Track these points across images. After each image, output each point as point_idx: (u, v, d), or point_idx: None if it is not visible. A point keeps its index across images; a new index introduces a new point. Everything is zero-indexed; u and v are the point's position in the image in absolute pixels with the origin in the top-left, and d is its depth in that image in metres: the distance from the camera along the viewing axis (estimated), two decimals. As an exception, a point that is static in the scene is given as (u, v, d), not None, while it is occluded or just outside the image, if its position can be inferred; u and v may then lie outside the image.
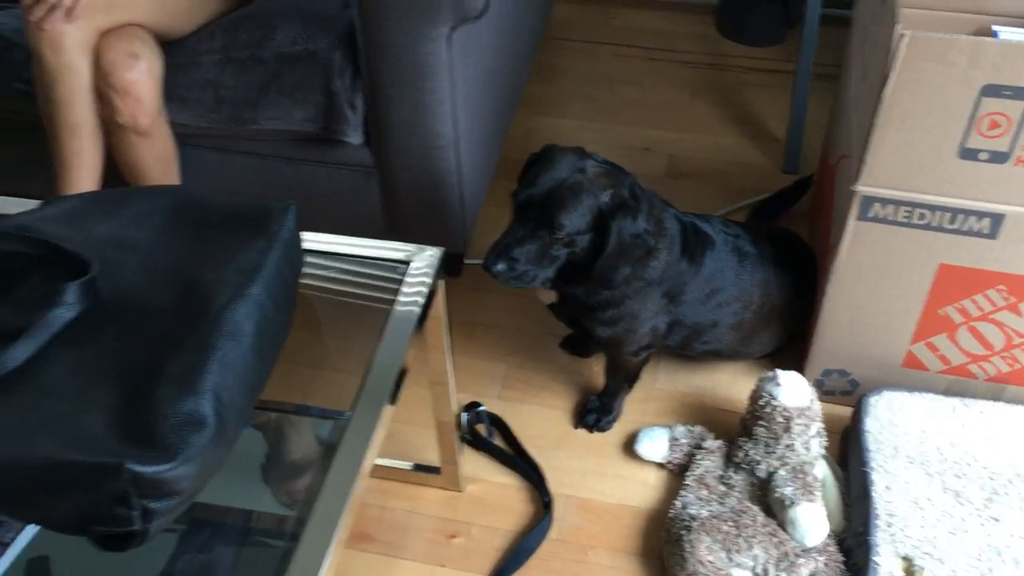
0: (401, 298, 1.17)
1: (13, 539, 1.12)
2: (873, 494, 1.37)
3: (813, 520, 1.35)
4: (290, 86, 1.55)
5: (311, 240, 1.22)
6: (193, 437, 0.84)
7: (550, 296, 1.46)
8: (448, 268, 1.71)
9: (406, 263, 1.21)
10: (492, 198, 1.91)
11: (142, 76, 1.48)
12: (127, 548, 0.86)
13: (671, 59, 2.46)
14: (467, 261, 1.88)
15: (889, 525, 1.34)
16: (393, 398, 1.08)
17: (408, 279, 1.19)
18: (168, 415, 0.85)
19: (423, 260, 1.21)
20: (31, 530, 1.12)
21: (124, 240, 1.06)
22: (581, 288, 1.39)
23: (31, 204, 1.19)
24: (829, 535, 1.37)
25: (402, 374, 1.10)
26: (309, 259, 1.20)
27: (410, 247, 1.23)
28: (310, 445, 1.34)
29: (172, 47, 1.59)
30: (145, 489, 0.81)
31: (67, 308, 0.95)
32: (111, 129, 1.54)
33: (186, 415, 0.85)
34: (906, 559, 1.31)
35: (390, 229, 1.75)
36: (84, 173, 1.55)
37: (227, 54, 1.56)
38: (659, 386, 1.67)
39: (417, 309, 1.16)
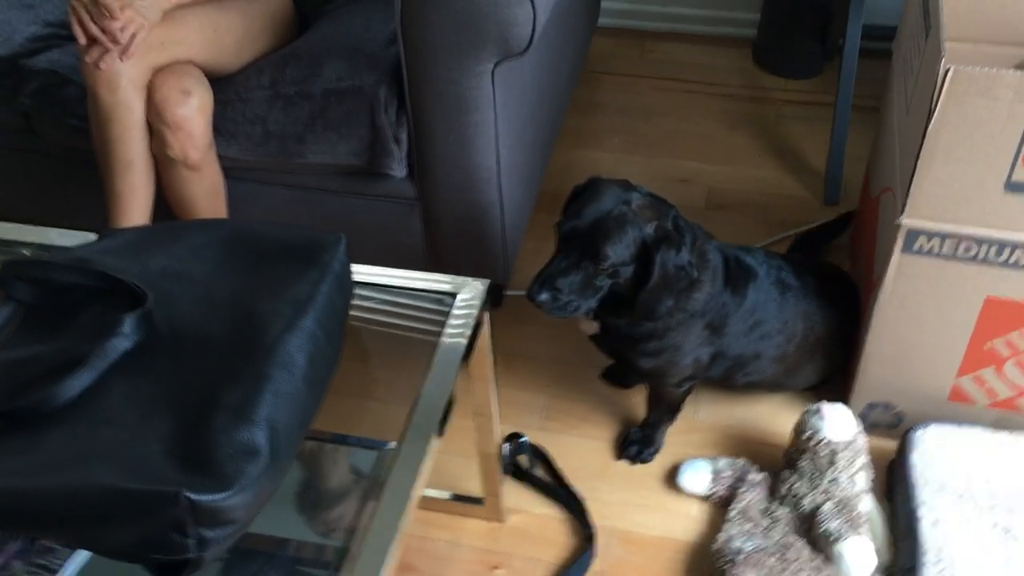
0: (448, 330, 1.18)
1: (61, 566, 1.14)
2: (921, 530, 1.36)
3: (860, 555, 1.34)
4: (336, 121, 1.58)
5: (359, 272, 1.24)
6: (248, 466, 0.86)
7: (592, 327, 1.47)
8: (489, 299, 1.73)
9: (452, 295, 1.22)
10: (532, 231, 1.93)
11: (193, 112, 1.52)
12: (181, 576, 0.88)
13: (709, 92, 2.47)
14: (508, 292, 1.89)
15: (938, 562, 1.32)
16: (441, 430, 1.09)
17: (455, 311, 1.20)
18: (224, 444, 0.86)
19: (469, 292, 1.22)
20: (79, 558, 1.14)
21: (179, 272, 1.08)
22: (624, 319, 1.40)
23: (88, 237, 1.22)
24: (876, 571, 1.36)
25: (449, 406, 1.11)
26: (356, 290, 1.22)
27: (456, 279, 1.24)
28: (346, 475, 1.35)
29: (222, 83, 1.63)
30: (201, 517, 0.83)
31: (124, 338, 0.97)
32: (162, 163, 1.58)
33: (242, 444, 0.87)
34: (955, 596, 1.29)
35: (432, 260, 1.77)
36: (137, 207, 1.58)
37: (275, 90, 1.60)
38: (701, 418, 1.67)
39: (464, 341, 1.17)
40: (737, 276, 1.44)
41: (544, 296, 1.30)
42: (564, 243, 1.32)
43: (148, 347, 0.99)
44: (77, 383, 0.93)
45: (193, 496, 0.81)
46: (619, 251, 1.28)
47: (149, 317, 1.00)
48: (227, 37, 1.60)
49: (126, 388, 0.95)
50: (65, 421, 0.92)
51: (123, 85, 1.49)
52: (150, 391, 0.95)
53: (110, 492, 0.84)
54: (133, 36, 1.47)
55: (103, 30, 1.45)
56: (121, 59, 1.47)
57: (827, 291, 1.54)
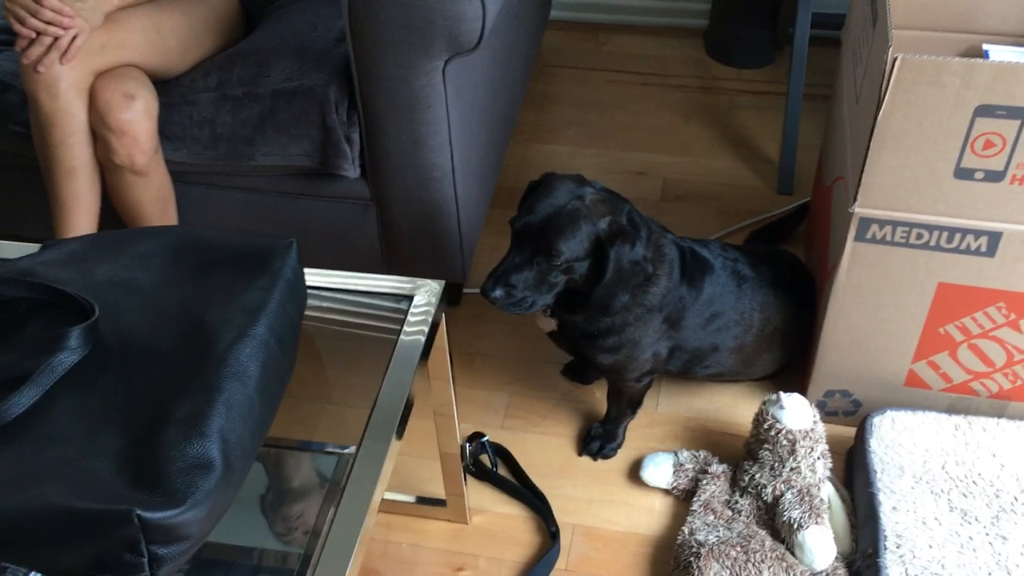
0: (405, 331, 1.17)
1: (19, 586, 1.11)
2: (881, 515, 1.37)
3: (821, 543, 1.35)
4: (286, 122, 1.56)
5: (313, 276, 1.22)
6: (201, 480, 0.84)
7: (550, 324, 1.47)
8: (447, 298, 1.71)
9: (408, 297, 1.21)
10: (489, 227, 1.92)
11: (138, 116, 1.49)
12: (136, 595, 0.86)
13: (663, 83, 2.47)
14: (466, 290, 1.88)
15: (898, 546, 1.33)
16: (400, 432, 1.08)
17: (411, 313, 1.19)
18: (175, 458, 0.85)
19: (425, 294, 1.21)
20: None
21: (126, 281, 1.06)
22: (581, 316, 1.40)
23: (31, 248, 1.19)
24: (837, 557, 1.37)
25: (408, 408, 1.10)
26: (310, 294, 1.20)
27: (412, 281, 1.23)
28: (311, 479, 1.33)
29: (167, 85, 1.59)
30: (154, 535, 0.81)
31: (70, 352, 0.95)
32: (108, 169, 1.55)
33: (193, 458, 0.85)
34: (916, 580, 1.31)
35: (389, 260, 1.76)
36: (82, 214, 1.55)
37: (222, 91, 1.57)
38: (661, 411, 1.67)
39: (421, 342, 1.16)
40: (693, 269, 1.44)
41: (498, 293, 1.30)
42: (517, 239, 1.31)
43: (95, 360, 0.96)
44: (23, 400, 0.91)
45: (145, 514, 0.80)
46: (572, 247, 1.27)
47: (95, 329, 0.97)
48: (171, 38, 1.56)
49: (73, 403, 0.93)
50: (11, 439, 0.89)
51: (64, 90, 1.45)
52: (98, 406, 0.93)
53: (60, 513, 0.81)
54: (73, 39, 1.43)
55: (44, 24, 1.41)
56: (61, 62, 1.43)
57: (783, 280, 1.55)
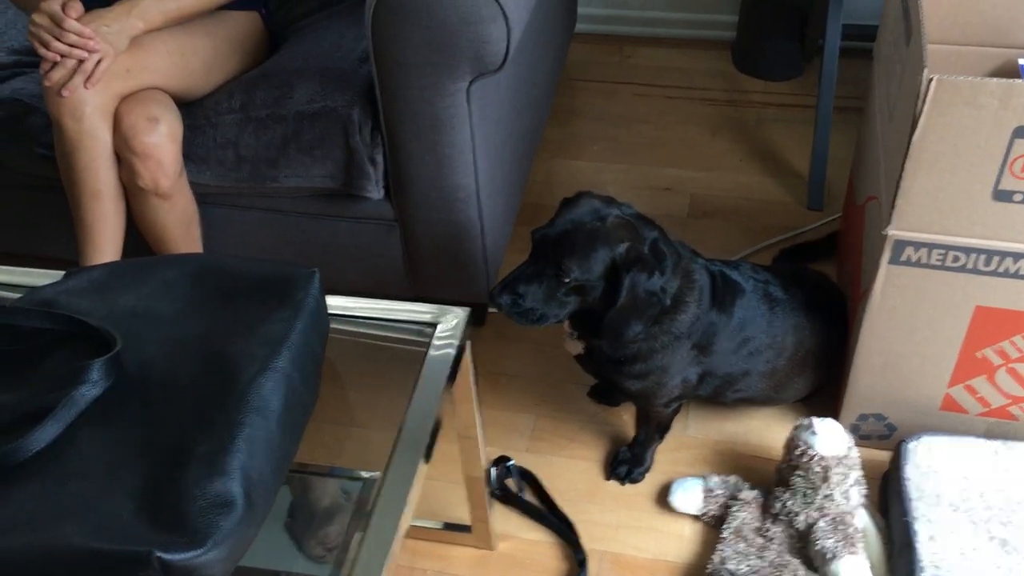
0: (431, 356, 1.15)
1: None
2: (917, 545, 1.33)
3: (856, 573, 1.31)
4: (309, 143, 1.55)
5: (337, 305, 1.21)
6: (222, 520, 0.83)
7: (577, 347, 1.44)
8: (472, 318, 1.70)
9: (433, 325, 1.19)
10: (515, 244, 1.90)
11: (162, 139, 1.48)
12: (157, 636, 0.84)
13: (689, 96, 2.44)
14: (491, 310, 1.86)
15: (935, 577, 1.30)
16: (427, 456, 1.06)
17: (436, 339, 1.17)
18: (196, 497, 0.83)
19: (451, 321, 1.19)
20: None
21: (148, 312, 1.05)
22: (600, 341, 1.37)
23: (55, 275, 1.18)
24: (873, 588, 1.34)
25: (435, 431, 1.08)
26: (334, 320, 1.19)
27: (437, 308, 1.21)
28: (335, 502, 1.32)
29: (191, 108, 1.59)
30: (174, 576, 0.80)
31: (92, 386, 0.94)
32: (132, 193, 1.54)
33: (214, 497, 0.83)
34: (954, 612, 1.27)
35: (413, 280, 1.74)
36: (107, 237, 1.54)
37: (246, 113, 1.56)
38: (690, 434, 1.64)
39: (447, 367, 1.14)
40: (724, 294, 1.41)
41: (505, 299, 1.28)
42: (534, 251, 1.30)
43: (117, 393, 0.95)
44: (44, 436, 0.90)
45: (165, 556, 0.78)
46: (583, 266, 1.25)
47: (118, 362, 0.96)
48: (195, 61, 1.56)
49: (94, 438, 0.92)
50: (31, 475, 0.88)
51: (88, 114, 1.45)
52: (119, 441, 0.92)
53: (78, 553, 0.80)
54: (98, 63, 1.43)
55: (68, 47, 1.41)
56: (86, 86, 1.43)
57: (815, 302, 1.52)
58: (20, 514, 0.85)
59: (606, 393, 1.71)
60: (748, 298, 1.44)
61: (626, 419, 1.67)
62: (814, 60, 2.43)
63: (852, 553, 1.33)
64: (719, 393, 1.51)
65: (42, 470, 0.89)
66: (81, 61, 1.42)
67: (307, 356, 1.00)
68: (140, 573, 0.79)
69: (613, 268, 1.26)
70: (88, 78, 1.43)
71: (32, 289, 1.11)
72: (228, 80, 1.64)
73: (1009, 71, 1.49)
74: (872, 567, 1.35)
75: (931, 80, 1.15)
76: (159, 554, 0.78)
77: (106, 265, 1.15)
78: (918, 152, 1.21)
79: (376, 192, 1.58)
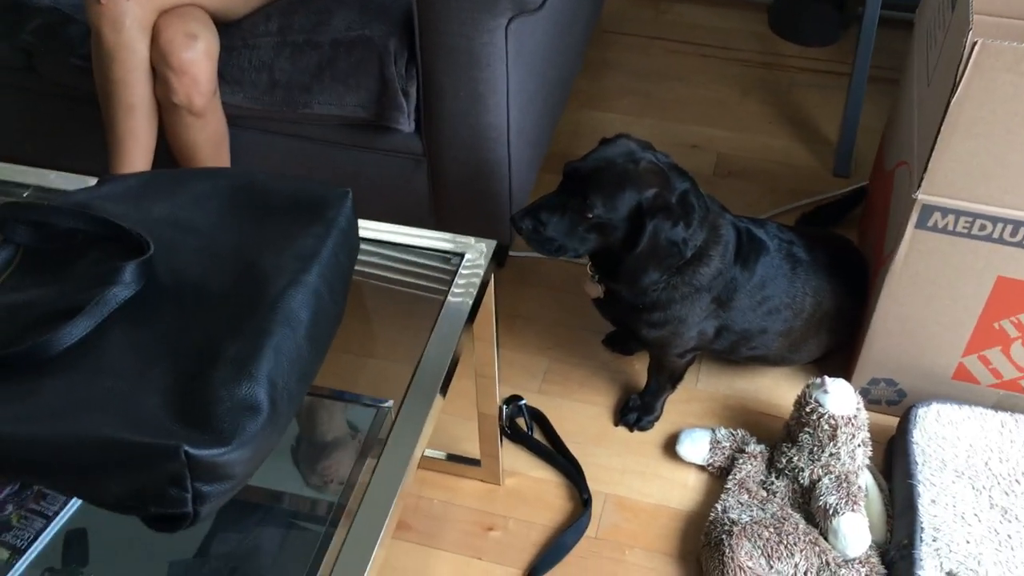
0: (454, 290, 1.17)
1: (58, 512, 1.13)
2: (919, 507, 1.35)
3: (856, 530, 1.34)
4: (344, 72, 1.55)
5: (365, 228, 1.22)
6: (248, 422, 0.84)
7: (596, 290, 1.45)
8: (495, 259, 1.70)
9: (459, 255, 1.20)
10: (539, 191, 1.89)
11: (199, 56, 1.49)
12: (177, 529, 0.86)
13: (723, 56, 2.43)
14: (512, 253, 1.87)
15: (934, 539, 1.32)
16: (444, 389, 1.08)
17: (461, 271, 1.19)
18: (224, 398, 0.85)
19: (475, 253, 1.21)
20: (75, 504, 1.13)
21: (182, 221, 1.06)
22: (616, 284, 1.38)
23: (88, 181, 1.20)
24: (871, 546, 1.36)
25: (454, 366, 1.10)
26: (361, 246, 1.20)
27: (462, 239, 1.22)
28: (343, 430, 1.34)
29: (228, 29, 1.59)
30: (199, 472, 0.82)
31: (124, 287, 0.95)
32: (166, 108, 1.55)
33: (241, 399, 0.85)
34: (950, 574, 1.29)
35: (437, 217, 1.75)
36: (139, 151, 1.55)
37: (283, 37, 1.56)
38: (701, 387, 1.66)
39: (469, 301, 1.15)
40: (748, 250, 1.42)
41: (527, 223, 1.29)
42: (564, 182, 1.31)
43: (148, 297, 0.97)
44: (75, 331, 0.91)
45: (192, 450, 0.80)
46: (609, 204, 1.26)
47: (150, 266, 0.98)
48: (235, -19, 1.56)
49: (125, 338, 0.94)
50: (62, 369, 0.90)
51: (128, 25, 1.45)
52: (150, 342, 0.93)
53: (108, 443, 0.82)
54: (140, -24, 1.43)
55: None
56: (126, -2, 1.43)
57: (837, 265, 1.52)
58: (51, 404, 0.87)
59: (621, 341, 1.72)
60: (771, 257, 1.45)
61: (638, 368, 1.69)
62: (851, 27, 2.41)
63: (854, 510, 1.35)
64: (734, 348, 1.52)
65: (73, 366, 0.90)
66: (124, -29, 1.42)
67: (336, 273, 1.01)
68: (167, 466, 0.81)
69: (638, 212, 1.26)
70: (129, -11, 1.43)
71: (66, 193, 1.12)
72: (267, 3, 1.63)
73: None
74: (872, 526, 1.37)
75: (975, 44, 1.14)
76: (187, 448, 0.80)
77: (141, 174, 1.16)
78: (955, 116, 1.21)
79: (407, 125, 1.58)
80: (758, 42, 2.48)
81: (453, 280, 1.18)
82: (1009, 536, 1.33)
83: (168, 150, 1.62)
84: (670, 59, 2.43)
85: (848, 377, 1.54)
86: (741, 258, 1.41)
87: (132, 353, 0.92)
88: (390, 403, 1.14)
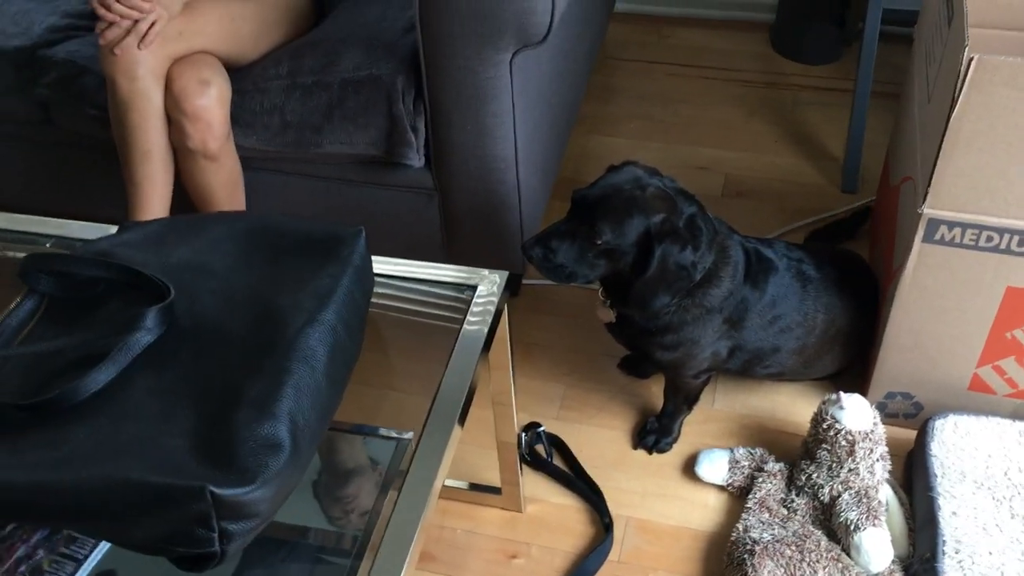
0: (469, 320, 1.18)
1: (88, 555, 1.15)
2: (940, 520, 1.35)
3: (878, 545, 1.34)
4: (354, 110, 1.58)
5: (379, 264, 1.24)
6: (271, 460, 0.86)
7: (608, 315, 1.47)
8: (508, 288, 1.72)
9: (472, 287, 1.22)
10: (549, 217, 1.91)
11: (212, 102, 1.52)
12: (205, 569, 0.88)
13: (727, 78, 2.45)
14: (525, 281, 1.89)
15: (957, 552, 1.32)
16: (462, 419, 1.09)
17: (475, 303, 1.20)
18: (247, 438, 0.87)
19: (489, 284, 1.22)
20: (104, 547, 1.15)
21: (201, 265, 1.09)
22: (633, 310, 1.40)
23: (109, 229, 1.23)
24: (894, 561, 1.36)
25: (471, 395, 1.11)
26: (376, 281, 1.22)
27: (475, 271, 1.24)
28: (367, 463, 1.35)
29: (239, 73, 1.63)
30: (225, 511, 0.84)
31: (147, 332, 0.98)
32: (181, 154, 1.59)
33: (264, 439, 0.87)
34: (974, 587, 1.29)
35: (450, 249, 1.77)
36: (156, 196, 1.59)
37: (293, 80, 1.60)
38: (718, 407, 1.67)
39: (484, 331, 1.17)
40: (757, 270, 1.43)
41: (537, 251, 1.32)
42: (572, 210, 1.33)
43: (170, 341, 0.99)
44: (100, 377, 0.94)
45: (217, 490, 0.82)
46: (617, 231, 1.28)
47: (171, 311, 1.00)
48: (245, 27, 1.60)
49: (148, 382, 0.96)
50: (88, 415, 0.92)
51: (141, 75, 1.49)
52: (172, 385, 0.96)
53: (135, 486, 0.84)
54: (152, 25, 1.47)
55: (127, 9, 1.45)
56: (139, 47, 1.47)
57: (847, 281, 1.53)
58: (78, 450, 0.89)
59: (636, 365, 1.73)
60: (781, 275, 1.46)
61: (655, 391, 1.70)
62: (853, 45, 2.43)
63: (875, 525, 1.35)
64: (748, 368, 1.53)
65: (99, 411, 0.93)
66: (136, 22, 1.46)
67: (352, 310, 1.04)
68: (194, 507, 0.83)
69: (647, 237, 1.28)
70: (142, 39, 1.47)
71: (87, 241, 1.15)
72: (276, 47, 1.67)
73: (1050, 56, 1.49)
74: (894, 540, 1.37)
75: (972, 59, 1.16)
76: (212, 489, 0.82)
77: (160, 220, 1.19)
78: (956, 131, 1.22)
79: (417, 160, 1.61)
80: (761, 62, 2.50)
81: (467, 311, 1.20)
82: (1032, 546, 1.33)
83: (185, 194, 1.65)
84: (674, 82, 2.45)
85: (864, 392, 1.55)
86: (751, 278, 1.43)
87: (155, 397, 0.95)
88: (410, 435, 1.16)
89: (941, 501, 1.38)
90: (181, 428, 0.91)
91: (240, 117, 1.63)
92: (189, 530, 0.84)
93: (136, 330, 0.97)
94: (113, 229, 1.19)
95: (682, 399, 1.57)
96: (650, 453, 1.60)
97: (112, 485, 0.85)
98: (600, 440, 1.64)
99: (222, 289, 1.06)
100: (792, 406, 1.66)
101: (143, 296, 1.02)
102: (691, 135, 2.27)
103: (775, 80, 2.44)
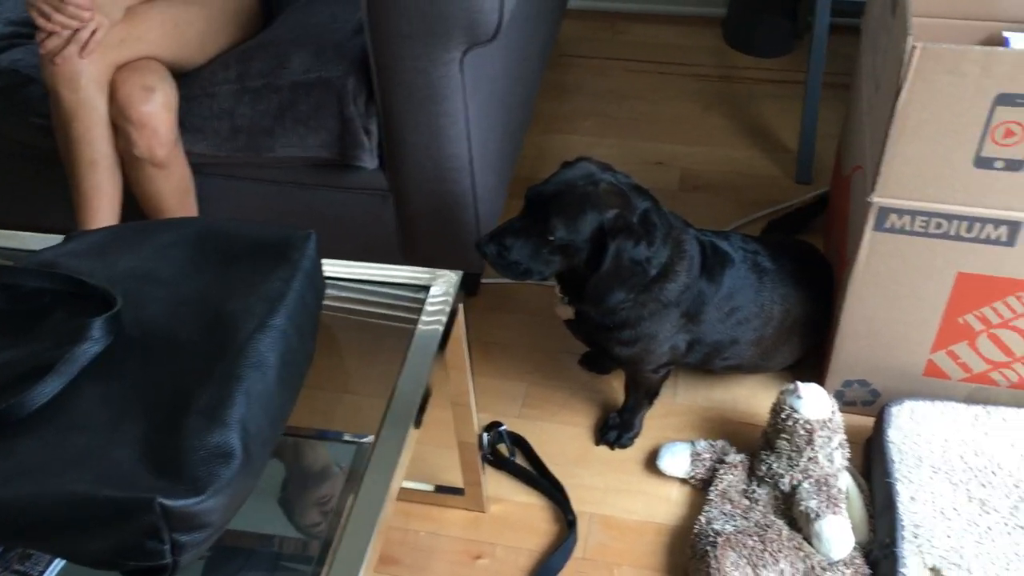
0: (423, 321, 1.18)
1: (43, 572, 1.13)
2: (898, 505, 1.37)
3: (839, 533, 1.35)
4: (305, 113, 1.57)
5: (332, 267, 1.23)
6: (222, 469, 0.85)
7: (567, 312, 1.47)
8: (465, 287, 1.71)
9: (426, 287, 1.22)
10: (507, 216, 1.91)
11: (157, 108, 1.50)
12: (158, 582, 0.87)
13: (681, 73, 2.46)
14: (484, 280, 1.88)
15: (915, 536, 1.33)
16: (418, 421, 1.08)
17: (429, 302, 1.20)
18: (196, 447, 0.86)
19: (443, 284, 1.22)
20: (60, 562, 1.13)
21: (148, 273, 1.07)
22: (589, 306, 1.40)
23: (55, 239, 1.20)
24: (855, 547, 1.37)
25: (426, 397, 1.10)
26: (329, 285, 1.21)
27: (429, 271, 1.24)
28: (328, 468, 1.35)
29: (187, 78, 1.61)
30: (175, 522, 0.82)
31: (93, 343, 0.96)
32: (128, 162, 1.56)
33: (214, 447, 0.86)
34: (934, 570, 1.30)
35: (407, 251, 1.76)
36: (104, 206, 1.56)
37: (242, 83, 1.58)
38: (679, 401, 1.67)
39: (439, 332, 1.16)
40: (713, 263, 1.44)
41: (491, 248, 1.31)
42: (526, 207, 1.33)
43: (118, 350, 0.98)
44: (47, 389, 0.92)
45: (167, 502, 0.81)
46: (570, 227, 1.28)
47: (118, 320, 0.99)
48: (189, 31, 1.58)
49: (96, 393, 0.94)
50: (35, 428, 0.90)
51: (84, 84, 1.47)
52: (121, 395, 0.94)
53: (83, 500, 0.83)
54: (93, 33, 1.45)
55: (66, 19, 1.43)
56: (81, 56, 1.45)
57: (803, 272, 1.54)
58: (25, 465, 0.87)
59: (596, 361, 1.73)
60: (737, 268, 1.47)
61: (616, 386, 1.70)
62: (805, 37, 2.45)
63: (835, 513, 1.36)
64: (707, 360, 1.53)
65: (46, 424, 0.91)
66: (76, 31, 1.44)
67: (303, 314, 1.02)
68: (143, 519, 0.81)
69: (600, 233, 1.28)
70: (83, 47, 1.44)
71: (33, 252, 1.13)
72: (223, 51, 1.65)
73: (994, 43, 1.50)
74: (854, 527, 1.38)
75: (915, 48, 1.17)
76: (161, 500, 0.80)
77: (106, 229, 1.17)
78: (902, 120, 1.23)
79: (371, 162, 1.60)
80: (715, 57, 2.52)
81: (421, 312, 1.19)
82: (989, 528, 1.35)
83: (134, 203, 1.62)
84: (630, 78, 2.46)
85: (822, 381, 1.56)
86: (707, 271, 1.43)
87: (104, 408, 0.93)
88: (370, 438, 1.15)
89: (899, 487, 1.39)
90: (130, 438, 0.89)
91: (189, 123, 1.61)
92: (139, 543, 0.83)
93: (82, 341, 0.96)
94: (60, 239, 1.17)
95: (643, 394, 1.57)
96: (612, 449, 1.61)
97: (59, 500, 0.83)
98: (562, 437, 1.63)
99: (170, 296, 1.04)
100: (752, 398, 1.67)
101: (89, 306, 1.01)
102: (647, 131, 2.28)
103: (729, 74, 2.45)
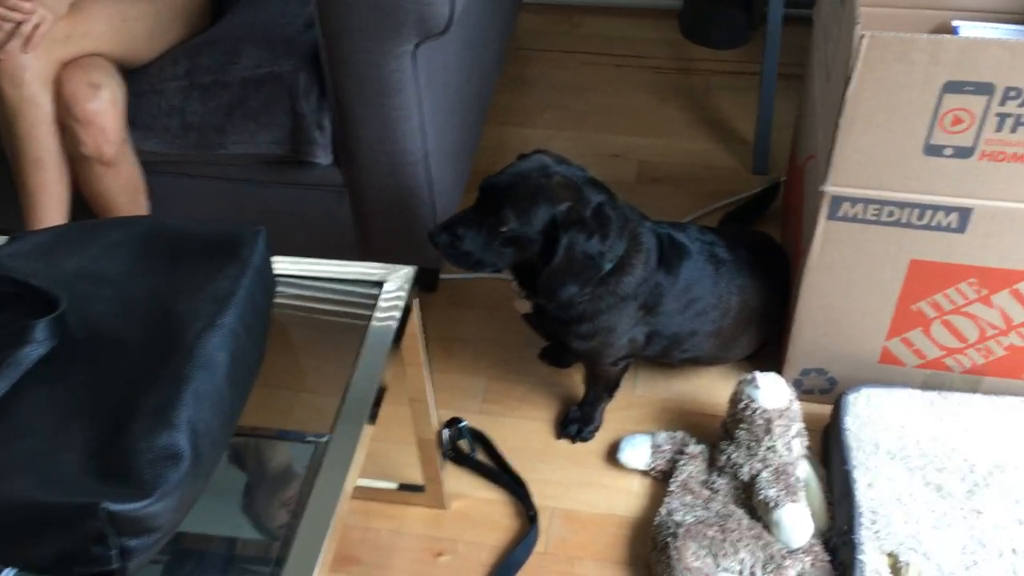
0: (376, 317, 1.17)
1: (-8, 581, 1.10)
2: (856, 492, 1.38)
3: (798, 521, 1.36)
4: (256, 110, 1.54)
5: (285, 264, 1.22)
6: (169, 472, 0.84)
7: (525, 306, 1.46)
8: (424, 283, 1.71)
9: (380, 283, 1.20)
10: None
11: (104, 105, 1.47)
12: (107, 587, 0.85)
13: (638, 65, 2.47)
14: (443, 276, 1.87)
15: (873, 522, 1.34)
16: (372, 418, 1.07)
17: (383, 298, 1.19)
18: (144, 450, 0.84)
19: (397, 279, 1.21)
20: (11, 570, 1.10)
21: (95, 273, 1.05)
22: (543, 299, 1.39)
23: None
24: (815, 535, 1.38)
25: (380, 393, 1.09)
26: (282, 283, 1.19)
27: (383, 267, 1.23)
28: (288, 469, 1.33)
29: (135, 75, 1.58)
30: (122, 527, 0.81)
31: (37, 345, 0.94)
32: (76, 160, 1.53)
33: (162, 449, 0.84)
34: (891, 555, 1.31)
35: (364, 247, 1.75)
36: (52, 205, 1.53)
37: (191, 80, 1.55)
38: (639, 393, 1.68)
39: (393, 327, 1.15)
40: (670, 255, 1.44)
41: (443, 238, 1.31)
42: (480, 197, 1.32)
43: (63, 352, 0.96)
44: (-11, 394, 0.90)
45: (112, 507, 0.79)
46: (522, 219, 1.27)
47: (62, 321, 0.97)
48: (137, 27, 1.54)
49: (41, 396, 0.93)
50: (-23, 434, 0.88)
51: (28, 80, 1.43)
52: (66, 398, 0.92)
53: (26, 507, 0.81)
54: (36, 28, 1.41)
55: (7, 11, 1.39)
56: (24, 51, 1.41)
57: (759, 262, 1.55)
58: (-33, 471, 0.85)
59: (556, 355, 1.73)
60: (694, 259, 1.47)
61: (576, 380, 1.70)
62: (760, 28, 2.46)
63: (794, 501, 1.37)
64: (667, 353, 1.54)
65: (-12, 429, 0.89)
66: (18, 25, 1.40)
67: (253, 312, 1.01)
68: (88, 525, 0.80)
69: (552, 225, 1.28)
70: (26, 42, 1.41)
71: (-26, 253, 1.10)
72: (172, 47, 1.62)
73: (944, 32, 1.52)
74: (813, 514, 1.39)
75: (863, 37, 1.18)
76: (106, 505, 0.79)
77: (52, 228, 1.15)
78: (852, 109, 1.24)
79: (324, 158, 1.58)
80: (671, 49, 2.52)
81: (375, 308, 1.18)
82: (945, 513, 1.36)
83: (83, 202, 1.59)
84: (587, 71, 2.46)
85: (779, 370, 1.57)
86: (664, 264, 1.43)
87: (49, 411, 0.91)
88: (327, 437, 1.14)
89: (856, 474, 1.40)
90: (77, 442, 0.88)
91: (138, 120, 1.58)
92: (85, 549, 0.81)
93: (25, 343, 0.94)
94: (3, 240, 1.14)
95: (602, 387, 1.57)
96: (573, 442, 1.60)
97: (2, 505, 0.81)
98: (523, 432, 1.63)
99: (118, 296, 1.02)
100: (712, 388, 1.67)
101: (33, 308, 0.98)
102: (604, 123, 2.28)
103: (685, 66, 2.46)
